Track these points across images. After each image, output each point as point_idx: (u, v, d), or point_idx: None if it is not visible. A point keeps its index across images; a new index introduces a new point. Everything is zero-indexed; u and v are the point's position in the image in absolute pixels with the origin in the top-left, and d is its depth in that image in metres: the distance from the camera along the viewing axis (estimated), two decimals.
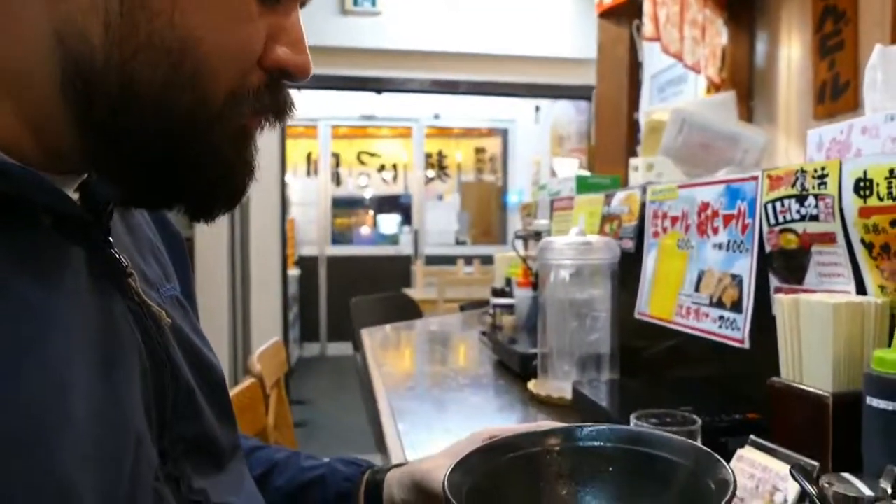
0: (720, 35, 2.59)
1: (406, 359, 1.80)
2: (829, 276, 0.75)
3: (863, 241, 0.69)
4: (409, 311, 2.88)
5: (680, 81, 3.23)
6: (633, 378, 1.18)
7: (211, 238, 3.15)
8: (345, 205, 6.81)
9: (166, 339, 0.46)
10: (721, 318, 0.91)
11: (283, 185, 4.24)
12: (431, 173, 6.97)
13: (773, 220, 0.82)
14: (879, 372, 0.57)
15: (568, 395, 1.07)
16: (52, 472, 0.33)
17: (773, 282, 0.84)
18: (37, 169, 0.37)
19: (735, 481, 0.38)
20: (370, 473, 0.67)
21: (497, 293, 1.79)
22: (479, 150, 7.13)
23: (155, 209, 0.52)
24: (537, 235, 1.62)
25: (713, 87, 2.59)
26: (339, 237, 6.68)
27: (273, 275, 4.19)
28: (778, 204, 0.81)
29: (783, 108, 2.44)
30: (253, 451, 0.68)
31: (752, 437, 0.67)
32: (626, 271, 1.18)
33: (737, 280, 0.89)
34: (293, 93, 0.44)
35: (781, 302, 0.71)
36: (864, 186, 0.68)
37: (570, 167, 2.04)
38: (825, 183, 0.73)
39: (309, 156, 6.71)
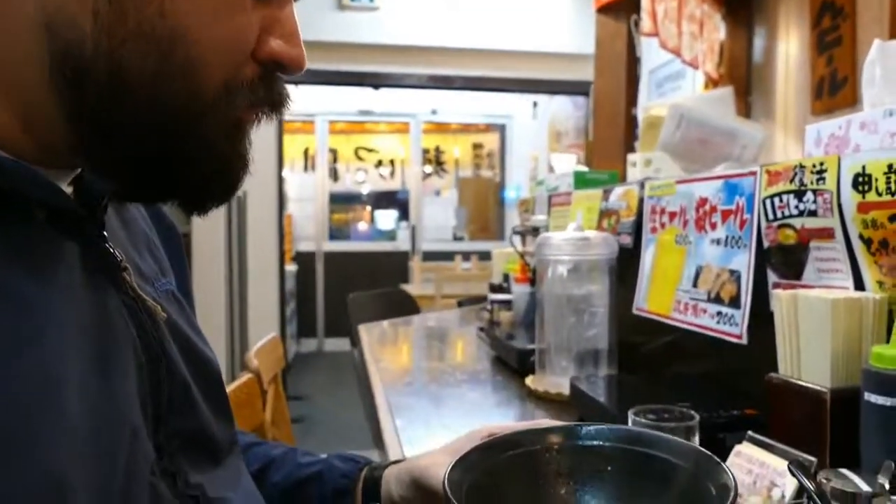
0: (718, 30, 2.59)
1: (403, 355, 1.80)
2: (827, 272, 0.75)
3: (861, 236, 0.69)
4: (407, 306, 2.88)
5: (677, 77, 3.23)
6: (631, 374, 1.18)
7: (208, 233, 3.15)
8: (342, 200, 6.80)
9: (161, 334, 0.46)
10: (719, 313, 0.91)
11: (281, 181, 4.23)
12: (429, 169, 6.96)
13: (771, 216, 0.82)
14: (878, 368, 0.57)
15: (566, 390, 1.07)
16: (45, 468, 0.33)
17: (772, 277, 0.84)
18: (30, 163, 0.37)
19: (736, 486, 0.38)
20: (368, 470, 0.66)
21: (495, 289, 1.79)
22: (477, 146, 7.12)
23: (149, 203, 0.51)
24: (535, 231, 1.62)
25: (711, 83, 2.59)
26: (336, 233, 6.67)
27: (270, 270, 4.18)
28: (776, 199, 0.81)
29: (781, 103, 2.44)
30: (250, 447, 0.68)
31: (749, 432, 0.67)
32: (624, 267, 1.18)
33: (735, 275, 0.89)
34: (289, 86, 0.44)
35: (780, 297, 0.71)
36: (862, 182, 0.67)
37: (568, 163, 2.04)
38: (824, 178, 0.72)
39: (306, 151, 6.69)
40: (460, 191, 7.04)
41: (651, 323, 1.09)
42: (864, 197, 0.67)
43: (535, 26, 4.46)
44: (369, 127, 6.87)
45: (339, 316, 5.25)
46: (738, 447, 0.66)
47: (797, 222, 0.78)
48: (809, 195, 0.75)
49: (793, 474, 0.53)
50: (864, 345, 0.65)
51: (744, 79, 2.58)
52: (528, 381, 1.21)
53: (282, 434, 1.47)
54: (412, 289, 4.11)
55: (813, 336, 0.67)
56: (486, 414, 1.12)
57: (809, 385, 0.66)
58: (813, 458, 0.59)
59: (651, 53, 3.03)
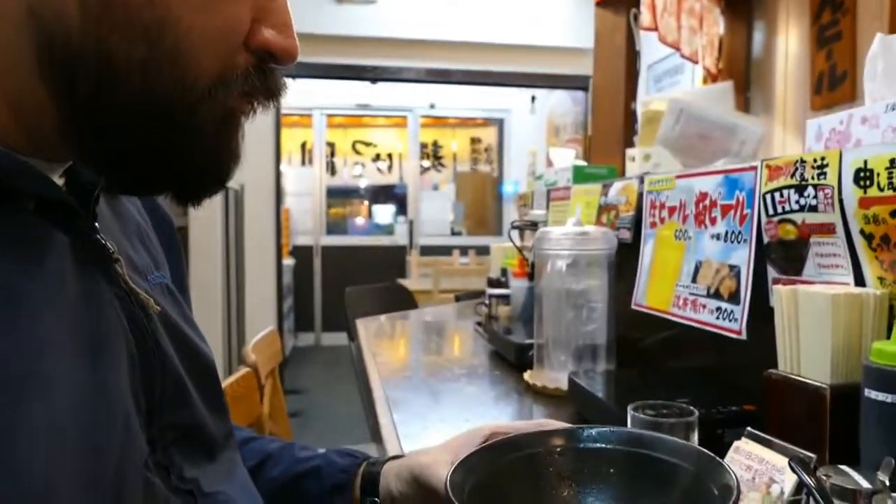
0: (717, 25, 2.58)
1: (401, 349, 1.79)
2: (827, 268, 0.74)
3: (862, 231, 0.68)
4: (404, 301, 2.87)
5: (676, 72, 3.22)
6: (630, 369, 1.18)
7: (205, 227, 3.14)
8: (339, 194, 6.79)
9: (154, 327, 0.45)
10: (718, 309, 0.91)
11: (278, 175, 4.22)
12: (427, 163, 6.95)
13: (771, 211, 0.82)
14: (878, 364, 0.57)
15: (564, 385, 1.07)
16: (22, 467, 0.33)
17: (772, 273, 0.83)
18: (20, 154, 0.37)
19: (739, 487, 0.38)
20: (366, 465, 0.66)
21: (493, 283, 1.79)
22: (475, 140, 7.11)
23: (140, 195, 0.51)
24: (533, 226, 1.62)
25: (710, 78, 2.59)
26: (333, 227, 6.66)
27: (267, 264, 4.18)
28: (777, 194, 0.81)
29: (780, 98, 2.44)
30: (246, 442, 0.68)
31: (748, 428, 0.67)
32: (624, 262, 1.18)
33: (735, 271, 0.89)
34: (286, 79, 0.43)
35: (780, 293, 0.71)
36: (864, 177, 0.67)
37: (567, 157, 2.03)
38: (825, 173, 0.72)
39: (303, 145, 6.68)
40: (458, 185, 7.03)
41: (650, 318, 1.09)
42: (865, 192, 0.67)
43: (534, 20, 4.45)
44: (367, 121, 6.86)
45: (336, 310, 5.25)
46: (737, 443, 0.66)
47: (798, 217, 0.77)
48: (810, 190, 0.74)
49: (793, 470, 0.53)
50: (865, 341, 0.65)
51: (743, 74, 2.58)
52: (527, 375, 1.21)
53: (279, 428, 1.47)
54: (410, 283, 4.11)
55: (813, 332, 0.67)
56: (484, 408, 1.12)
57: (809, 381, 0.66)
58: (812, 455, 0.59)
59: (650, 48, 3.02)
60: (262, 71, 0.41)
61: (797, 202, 0.77)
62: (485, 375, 1.32)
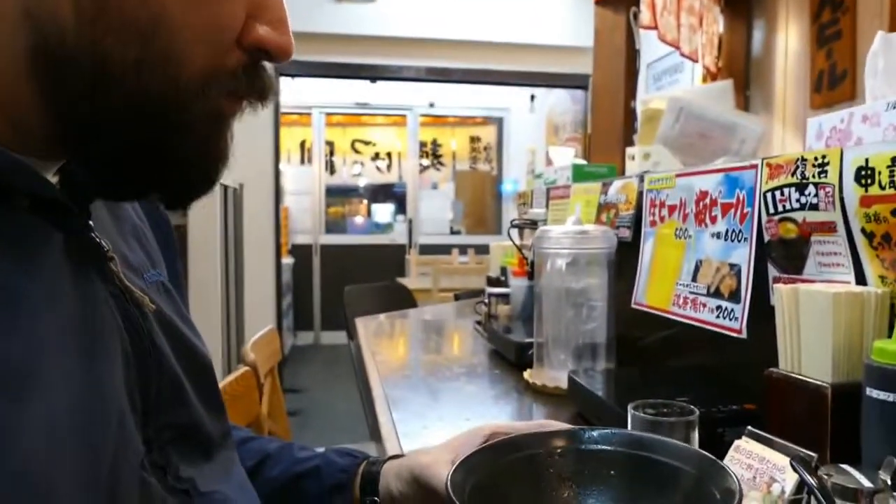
0: (717, 23, 2.58)
1: (400, 348, 1.79)
2: (828, 266, 0.74)
3: (863, 230, 0.68)
4: (404, 300, 2.87)
5: (676, 70, 3.22)
6: (630, 368, 1.18)
7: (204, 226, 3.13)
8: (339, 193, 6.78)
9: (150, 325, 0.45)
10: (719, 307, 0.91)
11: (277, 173, 4.21)
12: (426, 162, 6.94)
13: (772, 209, 0.82)
14: (879, 362, 0.57)
15: (564, 384, 1.07)
16: (17, 467, 0.32)
17: (772, 271, 0.83)
18: (14, 152, 0.36)
19: (741, 491, 0.38)
20: (366, 465, 0.66)
21: (492, 282, 1.79)
22: (474, 139, 7.11)
23: (130, 198, 0.50)
24: (533, 224, 1.62)
25: (710, 76, 2.58)
26: (332, 226, 6.66)
27: (267, 263, 4.18)
28: (777, 193, 0.80)
29: (779, 97, 2.44)
30: (245, 442, 0.68)
31: (749, 427, 0.66)
32: (623, 260, 1.17)
33: (735, 269, 0.89)
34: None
35: (780, 292, 0.71)
36: (865, 175, 0.67)
37: (566, 156, 2.03)
38: (826, 171, 0.72)
39: (303, 144, 6.67)
40: (457, 184, 7.03)
41: (650, 317, 1.09)
42: (866, 190, 0.67)
43: (534, 19, 4.44)
44: (366, 119, 6.85)
45: (335, 309, 5.25)
46: (737, 442, 0.66)
47: (798, 216, 0.77)
48: (811, 188, 0.74)
49: (795, 470, 0.52)
50: (866, 339, 0.64)
51: (742, 72, 2.58)
52: (526, 374, 1.21)
53: (278, 427, 1.46)
54: (409, 282, 4.11)
55: (814, 330, 0.67)
56: (484, 407, 1.12)
57: (810, 380, 0.66)
58: (813, 454, 0.59)
59: (649, 46, 3.02)
60: (252, 71, 0.40)
61: (798, 201, 0.77)
62: (484, 374, 1.32)
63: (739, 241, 0.88)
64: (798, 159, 0.76)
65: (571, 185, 1.54)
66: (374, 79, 4.81)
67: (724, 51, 2.60)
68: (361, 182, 6.87)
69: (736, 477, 0.40)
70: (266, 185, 4.14)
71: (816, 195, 0.73)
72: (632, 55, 2.78)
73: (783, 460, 0.59)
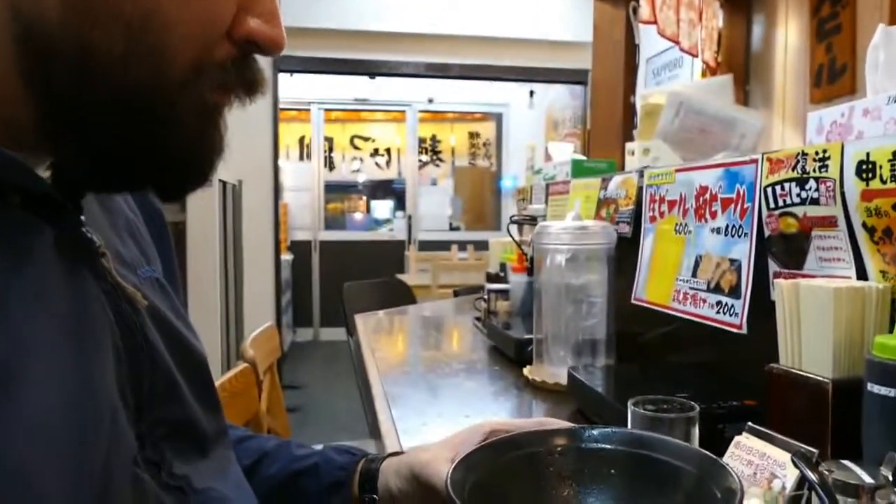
0: (716, 17, 2.57)
1: (400, 344, 1.79)
2: (829, 261, 0.74)
3: (864, 224, 0.68)
4: (403, 296, 2.87)
5: (675, 65, 3.21)
6: (630, 364, 1.18)
7: (203, 223, 3.13)
8: (338, 189, 6.78)
9: (143, 322, 0.45)
10: (719, 303, 0.90)
11: (276, 170, 4.21)
12: (425, 158, 6.93)
13: (772, 204, 0.81)
14: (880, 358, 0.56)
15: (563, 380, 1.06)
16: (10, 454, 0.32)
17: (773, 267, 0.83)
18: (5, 148, 0.36)
19: (742, 490, 0.38)
20: (365, 462, 0.66)
21: (492, 278, 1.79)
22: (473, 135, 7.10)
23: (121, 191, 0.50)
24: (532, 220, 1.61)
25: (709, 71, 2.58)
26: (332, 222, 6.65)
27: (266, 260, 4.17)
28: (778, 187, 0.80)
29: (779, 92, 2.43)
30: (242, 441, 0.67)
31: (749, 423, 0.66)
32: (623, 256, 1.17)
33: (735, 265, 0.88)
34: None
35: (781, 287, 0.70)
36: (866, 169, 0.66)
37: (566, 151, 2.03)
38: (826, 166, 0.71)
39: (301, 139, 6.66)
40: (457, 180, 7.02)
41: (650, 313, 1.09)
42: (867, 185, 0.66)
43: (533, 14, 4.43)
44: (365, 115, 6.84)
45: (335, 305, 5.26)
46: (737, 438, 0.66)
47: (799, 210, 0.77)
48: (812, 183, 0.74)
49: (796, 465, 0.52)
50: (867, 335, 0.64)
51: (742, 67, 2.57)
52: (526, 371, 1.20)
53: (277, 423, 1.46)
54: (408, 278, 4.11)
55: (814, 326, 0.66)
56: (484, 404, 1.12)
57: (811, 375, 0.66)
58: (814, 450, 0.58)
59: (649, 41, 3.01)
60: (242, 63, 0.40)
61: (798, 195, 0.76)
62: (484, 371, 1.31)
63: (740, 237, 0.88)
64: (798, 154, 0.76)
65: (571, 181, 1.53)
66: (372, 74, 4.80)
67: (723, 45, 2.59)
68: (360, 178, 6.86)
69: (737, 476, 0.40)
70: (265, 182, 4.13)
71: (817, 190, 0.73)
72: (631, 50, 2.77)
73: (784, 456, 0.59)
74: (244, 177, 3.82)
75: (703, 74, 2.63)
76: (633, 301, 1.13)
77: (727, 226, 0.91)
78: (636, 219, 1.18)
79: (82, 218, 0.42)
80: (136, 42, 0.35)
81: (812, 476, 0.50)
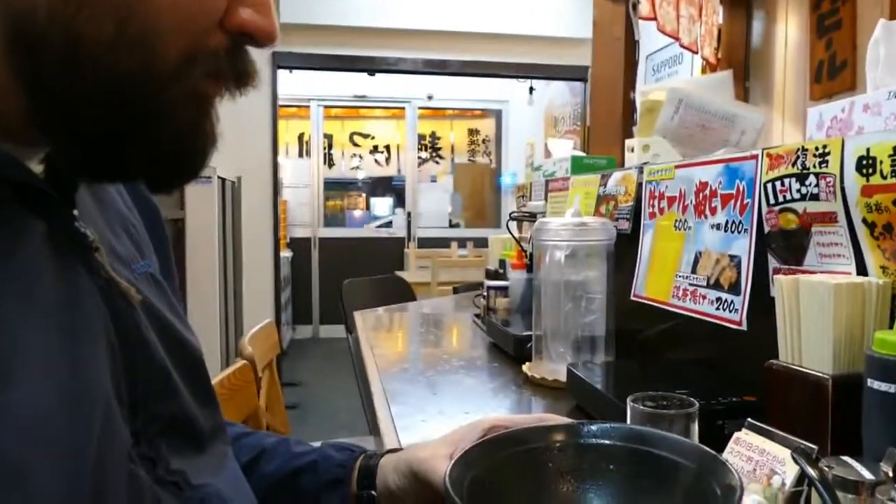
0: (716, 13, 2.56)
1: (399, 341, 1.79)
2: (829, 257, 0.74)
3: (864, 220, 0.68)
4: (403, 293, 2.87)
5: (675, 62, 3.21)
6: (629, 360, 1.18)
7: (202, 220, 3.12)
8: (337, 186, 6.77)
9: (137, 317, 0.44)
10: (718, 299, 0.90)
11: (275, 167, 4.20)
12: (424, 155, 6.93)
13: (772, 200, 0.81)
14: (881, 353, 0.56)
15: (563, 377, 1.06)
16: (4, 449, 0.32)
17: (772, 262, 0.83)
18: None
19: (742, 486, 0.37)
20: (363, 459, 0.65)
21: (491, 275, 1.78)
22: (473, 132, 7.09)
23: (115, 181, 0.50)
24: (532, 217, 1.61)
25: (709, 68, 2.57)
26: (331, 219, 6.65)
27: (265, 257, 4.17)
28: (778, 183, 0.80)
29: (779, 88, 2.43)
30: (240, 438, 0.67)
31: (749, 419, 0.66)
32: (623, 252, 1.17)
33: (735, 261, 0.88)
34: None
35: (781, 283, 0.70)
36: (866, 164, 0.66)
37: (565, 148, 2.02)
38: (826, 161, 0.71)
39: (301, 136, 6.65)
40: (456, 177, 7.01)
41: (649, 309, 1.09)
42: (867, 180, 0.66)
43: (532, 10, 4.42)
44: (364, 112, 6.83)
45: (334, 302, 5.26)
46: (737, 434, 0.65)
47: (799, 206, 0.76)
48: (812, 178, 0.73)
49: (796, 462, 0.52)
50: (867, 330, 0.64)
51: (742, 63, 2.56)
52: (525, 367, 1.20)
53: (277, 420, 1.46)
54: (408, 276, 4.10)
55: (814, 322, 0.66)
56: (483, 401, 1.11)
57: (811, 372, 0.65)
58: (814, 446, 0.58)
59: (648, 38, 3.01)
60: (233, 53, 0.40)
61: (798, 191, 0.76)
62: (483, 367, 1.31)
63: (739, 233, 0.88)
64: (799, 149, 0.76)
65: (570, 178, 1.53)
66: (372, 71, 4.79)
67: (723, 41, 2.58)
68: (360, 175, 6.86)
69: (737, 472, 0.40)
70: (264, 179, 4.13)
71: (817, 185, 0.72)
72: (631, 47, 2.76)
73: (783, 452, 0.59)
74: (243, 174, 3.82)
75: (703, 71, 2.62)
76: (632, 297, 1.13)
77: (727, 222, 0.91)
78: (636, 215, 1.18)
79: (75, 212, 0.41)
80: (125, 28, 0.35)
81: (812, 472, 0.50)
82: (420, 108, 6.71)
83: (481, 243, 4.48)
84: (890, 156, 0.64)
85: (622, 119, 2.64)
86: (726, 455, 0.62)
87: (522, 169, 5.79)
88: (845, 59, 2.02)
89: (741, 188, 0.88)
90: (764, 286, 0.83)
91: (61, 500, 0.34)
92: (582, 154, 1.85)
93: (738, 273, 0.87)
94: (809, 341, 0.67)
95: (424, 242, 6.24)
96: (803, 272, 0.76)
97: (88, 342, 0.39)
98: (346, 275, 2.81)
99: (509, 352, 1.33)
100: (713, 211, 0.94)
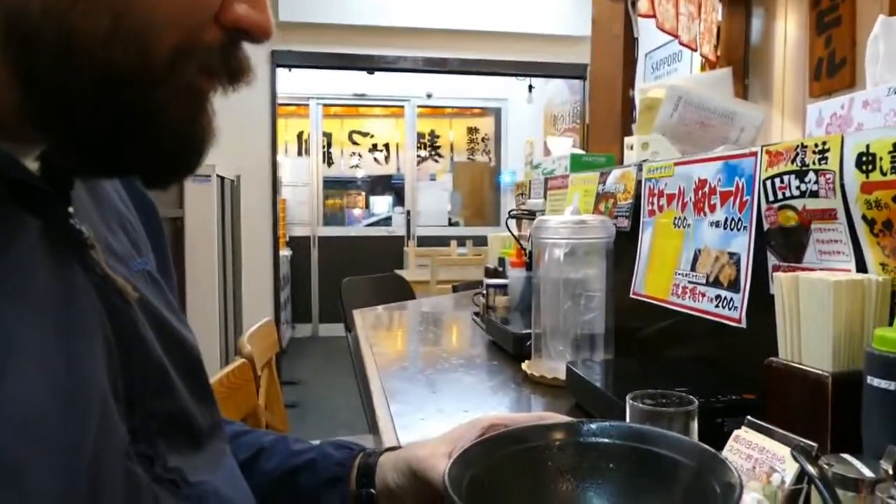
0: (716, 11, 2.56)
1: (398, 339, 1.79)
2: (829, 254, 0.73)
3: (864, 217, 0.67)
4: (402, 292, 2.86)
5: (674, 59, 3.20)
6: (628, 358, 1.17)
7: (201, 218, 3.12)
8: (336, 185, 6.77)
9: (133, 314, 0.44)
10: (718, 297, 0.90)
11: (274, 165, 4.20)
12: (424, 153, 6.92)
13: (771, 197, 0.81)
14: (880, 351, 0.56)
15: (562, 375, 1.06)
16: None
17: (772, 260, 0.82)
18: None
19: (741, 484, 0.37)
20: (362, 457, 0.65)
21: (490, 273, 1.78)
22: (472, 130, 7.09)
23: (108, 176, 0.49)
24: (531, 215, 1.61)
25: (708, 65, 2.57)
26: (330, 218, 6.65)
27: (264, 255, 4.17)
28: (777, 180, 0.80)
29: (778, 85, 2.42)
30: (239, 436, 0.67)
31: (749, 417, 0.66)
32: (622, 250, 1.17)
33: (734, 258, 0.88)
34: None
35: (780, 280, 0.70)
36: (866, 161, 0.66)
37: (565, 146, 2.02)
38: (826, 158, 0.71)
39: (300, 135, 6.65)
40: (455, 175, 7.01)
41: (648, 307, 1.08)
42: (867, 177, 0.66)
43: (531, 8, 4.42)
44: (364, 111, 6.83)
45: (333, 301, 5.26)
46: (737, 432, 0.65)
47: (798, 203, 0.76)
48: (811, 175, 0.73)
49: (795, 459, 0.52)
50: (867, 328, 0.64)
51: (741, 61, 2.56)
52: (524, 365, 1.20)
53: (276, 419, 1.46)
54: (407, 274, 4.10)
55: (814, 319, 0.66)
56: (482, 399, 1.11)
57: (810, 369, 0.65)
58: (814, 444, 0.58)
59: (647, 35, 3.00)
60: (228, 49, 0.39)
61: (798, 188, 0.76)
62: (482, 366, 1.31)
63: (739, 230, 0.88)
64: (798, 146, 0.75)
65: (569, 175, 1.53)
66: (371, 69, 4.79)
67: (722, 39, 2.58)
68: (359, 174, 6.85)
69: (736, 470, 0.40)
70: (263, 177, 4.12)
71: (817, 182, 0.72)
72: (630, 44, 2.76)
73: (783, 450, 0.58)
74: (242, 172, 3.81)
75: (703, 68, 2.62)
76: (631, 295, 1.13)
77: (726, 219, 0.91)
78: (635, 213, 1.17)
79: (70, 209, 0.41)
80: (119, 22, 0.35)
81: (811, 470, 0.50)
82: (419, 106, 6.70)
83: (481, 241, 4.47)
84: (889, 152, 0.63)
85: (621, 117, 2.64)
86: (726, 453, 0.61)
87: (522, 167, 5.78)
88: (845, 57, 2.02)
89: (740, 185, 0.87)
90: (763, 283, 0.83)
91: (56, 497, 0.34)
92: (581, 152, 1.85)
93: (738, 270, 0.87)
94: (809, 339, 0.67)
95: (424, 241, 6.23)
96: (803, 269, 0.76)
97: (84, 339, 0.39)
98: (346, 273, 2.81)
99: (508, 350, 1.33)
100: (712, 208, 0.94)
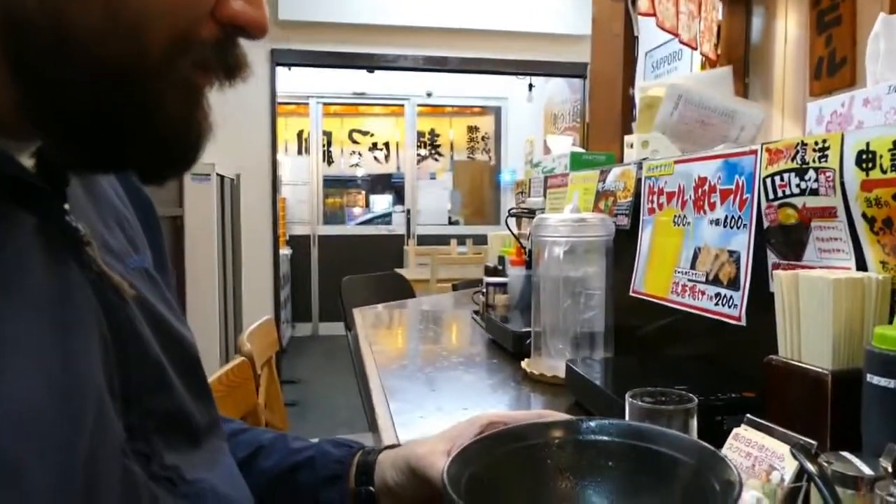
0: (716, 10, 2.55)
1: (398, 338, 1.79)
2: (829, 252, 0.73)
3: (864, 215, 0.67)
4: (402, 290, 2.86)
5: (674, 58, 3.20)
6: (628, 356, 1.17)
7: (201, 217, 3.12)
8: (336, 184, 6.77)
9: (130, 311, 0.44)
10: (718, 295, 0.90)
11: (274, 164, 4.20)
12: (424, 152, 6.92)
13: (771, 195, 0.81)
14: (880, 349, 0.56)
15: (561, 373, 1.06)
16: None
17: (772, 258, 0.82)
18: None
19: (741, 482, 0.37)
20: (361, 455, 0.65)
21: (490, 272, 1.78)
22: (472, 129, 7.08)
23: (103, 172, 0.49)
24: (531, 213, 1.61)
25: (708, 64, 2.56)
26: (330, 217, 6.65)
27: (264, 254, 4.17)
28: (777, 178, 0.79)
29: (779, 84, 2.42)
30: (237, 434, 0.67)
31: (748, 415, 0.66)
32: (622, 248, 1.17)
33: (734, 256, 0.88)
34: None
35: (780, 278, 0.70)
36: (866, 159, 0.66)
37: (565, 144, 2.02)
38: (826, 156, 0.71)
39: (300, 134, 6.64)
40: (455, 174, 7.01)
41: (648, 305, 1.08)
42: (867, 175, 0.66)
43: (531, 7, 4.41)
44: (364, 109, 6.82)
45: (333, 300, 5.26)
46: (736, 430, 0.65)
47: (798, 201, 0.76)
48: (811, 173, 0.73)
49: (795, 457, 0.52)
50: (867, 326, 0.64)
51: (742, 59, 2.56)
52: (524, 364, 1.20)
53: (276, 418, 1.46)
54: (407, 273, 4.10)
55: (814, 317, 0.66)
56: (482, 397, 1.11)
57: (810, 367, 0.65)
58: (813, 442, 0.58)
59: (648, 34, 3.00)
60: (223, 44, 0.39)
61: (798, 186, 0.76)
62: (482, 364, 1.31)
63: (738, 228, 0.88)
64: (798, 144, 0.75)
65: (569, 174, 1.53)
66: (371, 68, 4.78)
67: (723, 38, 2.58)
68: (359, 172, 6.85)
69: (736, 468, 0.39)
70: (263, 176, 4.12)
71: (817, 180, 0.72)
72: (630, 43, 2.75)
73: (783, 448, 0.58)
74: (242, 171, 3.81)
75: (703, 67, 2.61)
76: (631, 293, 1.13)
77: (726, 217, 0.90)
78: (635, 211, 1.17)
79: (66, 206, 0.41)
80: (115, 15, 0.34)
81: (811, 468, 0.50)
82: (419, 105, 6.70)
83: (480, 240, 4.47)
84: (890, 150, 0.63)
85: (621, 115, 2.63)
86: (725, 451, 0.61)
87: (522, 166, 5.78)
88: (845, 56, 2.02)
89: (740, 183, 0.87)
90: (763, 281, 0.82)
91: (52, 494, 0.34)
92: (581, 150, 1.85)
93: (738, 268, 0.87)
94: (809, 337, 0.67)
95: (424, 239, 6.23)
96: (803, 267, 0.75)
97: (80, 336, 0.39)
98: (346, 272, 2.81)
99: (508, 348, 1.33)
100: (712, 206, 0.94)
